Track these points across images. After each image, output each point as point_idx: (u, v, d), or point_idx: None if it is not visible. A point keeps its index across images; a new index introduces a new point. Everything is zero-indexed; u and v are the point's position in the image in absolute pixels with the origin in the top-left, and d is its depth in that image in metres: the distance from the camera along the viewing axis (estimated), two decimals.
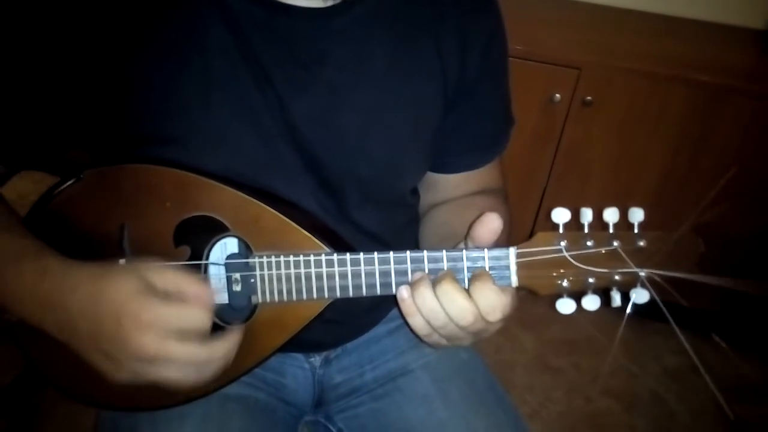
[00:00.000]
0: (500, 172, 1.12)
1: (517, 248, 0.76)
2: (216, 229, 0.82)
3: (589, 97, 2.00)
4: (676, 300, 0.74)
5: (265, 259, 0.81)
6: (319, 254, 0.80)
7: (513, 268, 0.76)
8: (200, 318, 0.73)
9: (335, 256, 0.79)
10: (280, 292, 0.81)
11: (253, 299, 0.83)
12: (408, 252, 0.77)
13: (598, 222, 0.73)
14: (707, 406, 2.07)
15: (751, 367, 2.24)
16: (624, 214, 0.73)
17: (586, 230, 0.74)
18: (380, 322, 1.15)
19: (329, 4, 0.84)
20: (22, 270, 0.77)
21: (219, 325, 0.82)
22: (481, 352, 1.14)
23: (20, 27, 0.81)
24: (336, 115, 0.88)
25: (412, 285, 0.76)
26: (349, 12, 0.86)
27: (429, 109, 0.95)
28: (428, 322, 0.76)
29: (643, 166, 2.11)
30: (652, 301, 0.74)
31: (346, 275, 0.79)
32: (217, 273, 0.83)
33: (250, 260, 0.82)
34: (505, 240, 0.97)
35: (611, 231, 0.73)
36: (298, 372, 1.11)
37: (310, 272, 0.80)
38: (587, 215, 0.73)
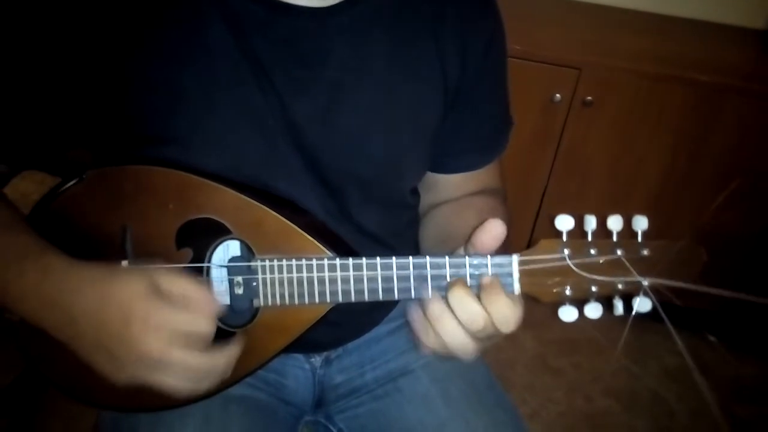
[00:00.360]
0: (500, 172, 1.12)
1: (520, 255, 0.76)
2: (218, 232, 0.82)
3: (589, 97, 2.01)
4: (675, 301, 0.74)
5: (267, 263, 0.81)
6: (322, 258, 0.80)
7: (516, 275, 0.76)
8: (205, 326, 0.74)
9: (337, 261, 0.79)
10: (282, 295, 0.81)
11: (255, 302, 0.83)
12: (411, 258, 0.77)
13: (602, 229, 0.73)
14: (707, 406, 2.07)
15: (750, 367, 2.24)
16: (628, 222, 0.72)
17: (589, 238, 0.74)
18: (381, 323, 1.15)
19: (330, 3, 0.84)
20: (24, 268, 0.77)
21: (221, 328, 0.82)
22: (481, 351, 1.14)
23: (22, 26, 0.81)
24: (337, 115, 0.88)
25: (427, 312, 0.76)
26: (350, 12, 0.86)
27: (429, 110, 0.95)
28: (444, 341, 0.76)
29: (643, 165, 2.11)
30: (654, 307, 0.74)
31: (349, 280, 0.79)
32: (219, 276, 0.83)
33: (252, 263, 0.82)
34: (503, 241, 0.98)
35: (615, 239, 0.73)
36: (299, 372, 1.11)
37: (313, 276, 0.80)
38: (591, 223, 0.73)
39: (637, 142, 2.08)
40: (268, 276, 0.81)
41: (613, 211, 0.73)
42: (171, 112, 0.83)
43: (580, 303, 0.76)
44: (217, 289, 0.83)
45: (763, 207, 2.02)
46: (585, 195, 2.20)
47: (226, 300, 0.83)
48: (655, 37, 2.25)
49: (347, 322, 1.08)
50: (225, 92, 0.83)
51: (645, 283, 0.72)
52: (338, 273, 0.79)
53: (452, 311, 0.74)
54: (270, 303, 0.82)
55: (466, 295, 0.73)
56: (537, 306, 0.77)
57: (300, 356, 1.11)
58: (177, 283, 0.74)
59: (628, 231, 0.73)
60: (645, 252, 0.72)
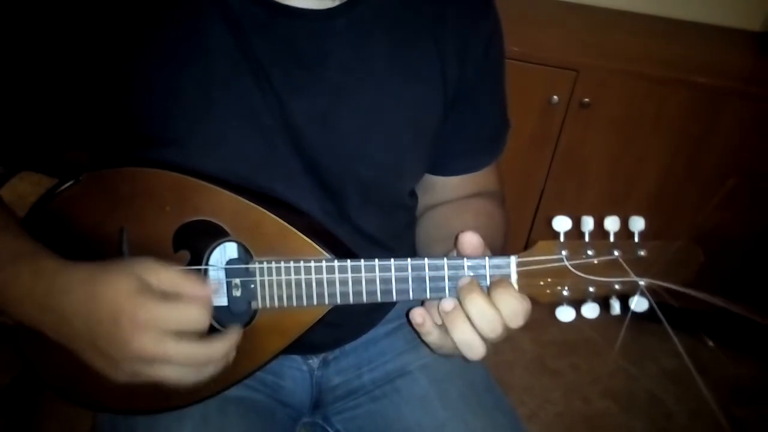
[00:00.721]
0: (497, 175, 1.12)
1: (518, 257, 0.76)
2: (216, 234, 0.82)
3: (586, 99, 2.01)
4: (672, 302, 0.74)
5: (265, 265, 0.81)
6: (320, 260, 0.80)
7: (514, 276, 0.76)
8: (198, 316, 0.73)
9: (336, 263, 0.79)
10: (280, 297, 0.81)
11: (253, 304, 0.83)
12: (409, 259, 0.77)
13: (599, 230, 0.73)
14: (705, 407, 2.07)
15: (748, 368, 2.25)
16: (625, 223, 0.73)
17: (586, 239, 0.74)
18: (379, 324, 1.15)
19: (330, 5, 0.84)
20: (18, 271, 0.77)
21: (218, 330, 0.82)
22: None
23: (20, 27, 0.81)
24: (336, 117, 0.88)
25: (443, 314, 0.76)
26: (349, 13, 0.86)
27: (429, 111, 0.95)
28: (457, 344, 0.76)
29: (641, 167, 2.11)
30: (651, 307, 0.74)
31: (347, 282, 0.79)
32: (216, 278, 0.83)
33: (250, 266, 0.82)
34: (500, 244, 0.98)
35: (612, 240, 0.73)
36: (296, 374, 1.11)
37: (311, 278, 0.80)
38: (588, 224, 0.73)
39: (634, 144, 2.08)
40: (266, 278, 0.81)
41: (611, 213, 0.73)
42: (169, 113, 0.83)
43: (577, 303, 0.76)
44: (215, 291, 0.83)
45: (761, 208, 2.02)
46: (583, 196, 2.20)
47: (224, 302, 0.83)
48: (652, 39, 2.26)
49: (345, 323, 1.08)
50: (224, 93, 0.83)
51: (641, 283, 0.72)
52: (336, 275, 0.79)
53: (467, 315, 0.74)
54: (268, 305, 0.82)
55: (484, 303, 0.73)
56: (535, 307, 0.77)
57: (298, 358, 1.11)
58: (165, 276, 0.73)
59: (625, 232, 0.73)
60: (642, 252, 0.73)
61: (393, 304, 1.14)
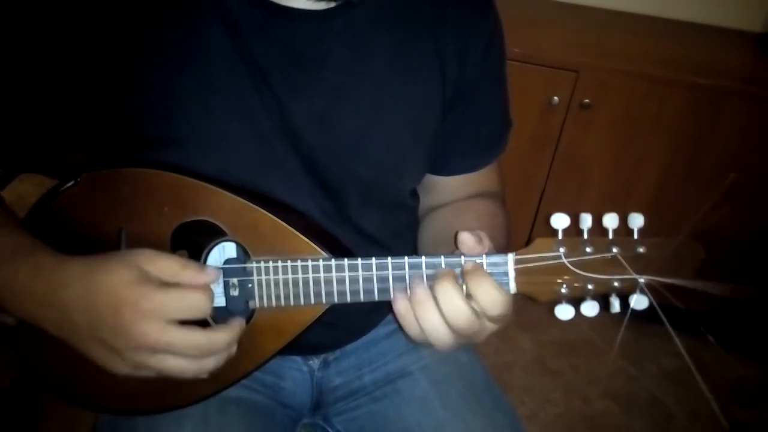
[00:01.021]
0: (499, 175, 1.12)
1: (516, 254, 0.76)
2: (214, 234, 0.82)
3: (587, 100, 2.01)
4: (674, 303, 0.74)
5: (262, 264, 0.81)
6: (317, 260, 0.80)
7: (511, 274, 0.76)
8: (199, 302, 0.73)
9: (333, 262, 0.79)
10: (277, 297, 0.81)
11: (251, 304, 0.82)
12: (406, 258, 0.77)
13: (598, 227, 0.73)
14: (705, 407, 2.07)
15: (749, 368, 2.24)
16: (623, 220, 0.72)
17: (585, 236, 0.74)
18: (379, 325, 1.15)
19: (328, 6, 0.84)
20: (16, 268, 0.77)
21: None
22: (480, 353, 1.14)
23: (20, 29, 0.81)
24: (335, 117, 0.88)
25: (412, 296, 0.76)
26: (348, 14, 0.86)
27: (428, 111, 0.95)
28: (423, 330, 0.76)
29: (642, 168, 2.11)
30: (651, 305, 0.74)
31: (344, 281, 0.79)
32: None
33: (247, 265, 0.81)
34: (504, 244, 0.98)
35: (611, 237, 0.73)
36: (297, 374, 1.11)
37: (308, 278, 0.80)
38: (586, 221, 0.73)
39: (635, 145, 2.08)
40: (263, 277, 0.81)
41: (611, 212, 0.73)
42: (168, 114, 0.83)
43: (576, 301, 0.76)
44: (213, 291, 0.83)
45: (762, 207, 2.02)
46: (583, 197, 2.20)
47: (222, 302, 0.83)
48: (652, 39, 2.26)
49: (345, 324, 1.08)
50: (222, 94, 0.83)
51: (641, 280, 0.72)
52: (333, 274, 0.79)
53: (437, 302, 0.74)
54: (266, 304, 0.82)
55: (453, 290, 0.73)
56: (535, 308, 0.77)
57: (298, 358, 1.11)
58: (164, 264, 0.73)
59: (624, 229, 0.73)
60: (641, 249, 0.72)
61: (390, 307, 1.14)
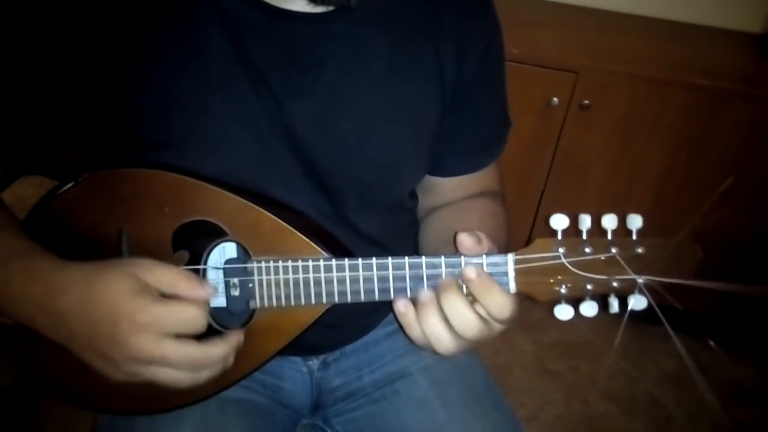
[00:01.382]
0: (498, 175, 1.12)
1: (516, 254, 0.76)
2: (214, 234, 0.82)
3: (586, 101, 2.01)
4: (673, 304, 0.74)
5: (263, 264, 0.81)
6: (318, 260, 0.80)
7: (511, 274, 0.76)
8: (195, 317, 0.73)
9: (333, 262, 0.79)
10: (278, 297, 0.81)
11: (251, 304, 0.83)
12: (406, 258, 0.77)
13: (597, 228, 0.73)
14: (705, 409, 2.07)
15: (748, 369, 2.24)
16: (622, 221, 0.73)
17: (584, 237, 0.74)
18: (378, 325, 1.15)
19: (327, 9, 0.84)
20: (13, 271, 0.77)
21: (217, 330, 0.82)
22: (480, 355, 1.14)
23: (19, 31, 0.81)
24: (334, 119, 0.88)
25: (418, 305, 0.76)
26: (347, 16, 0.86)
27: (427, 113, 0.95)
28: (427, 336, 0.77)
29: (641, 169, 2.11)
30: (650, 305, 0.74)
31: (345, 281, 0.79)
32: (215, 278, 0.83)
33: (248, 265, 0.82)
34: (505, 242, 0.98)
35: (609, 237, 0.73)
36: (296, 375, 1.11)
37: (309, 278, 0.80)
38: (586, 222, 0.73)
39: (634, 146, 2.08)
40: (264, 277, 0.81)
41: (610, 213, 0.73)
42: (167, 116, 0.83)
43: (575, 302, 0.76)
44: (213, 291, 0.83)
45: (762, 209, 2.02)
46: (583, 198, 2.20)
47: (223, 302, 0.83)
48: (652, 40, 2.26)
49: (345, 324, 1.08)
50: (221, 96, 0.84)
51: (640, 280, 0.72)
52: (334, 274, 0.79)
53: (442, 312, 0.75)
54: (266, 304, 0.82)
55: (460, 302, 0.74)
56: (534, 309, 0.77)
57: (297, 359, 1.11)
58: (162, 275, 0.73)
59: (622, 230, 0.73)
60: (640, 250, 0.72)
61: (392, 305, 1.14)
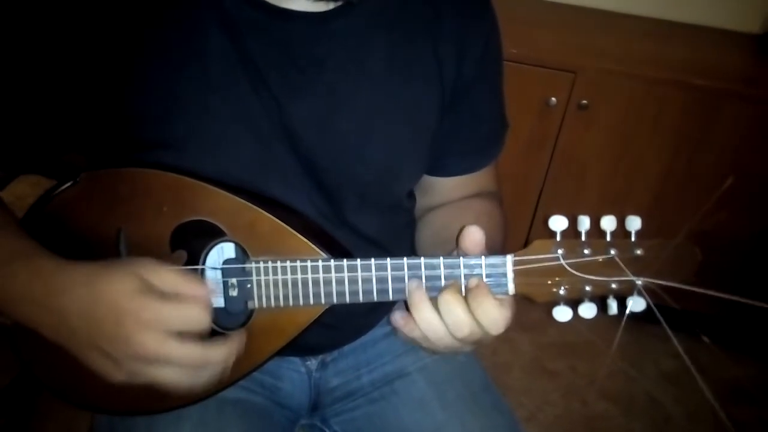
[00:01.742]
0: (495, 175, 1.12)
1: (514, 256, 0.76)
2: (213, 234, 0.82)
3: (584, 101, 2.01)
4: (671, 304, 0.74)
5: (261, 265, 0.81)
6: (316, 260, 0.80)
7: (510, 275, 0.76)
8: (200, 318, 0.73)
9: (332, 262, 0.79)
10: (276, 297, 0.81)
11: (250, 304, 0.83)
12: (405, 259, 0.77)
13: (596, 230, 0.73)
14: (704, 409, 2.08)
15: (747, 369, 2.24)
16: (621, 222, 0.73)
17: (583, 238, 0.74)
18: (377, 325, 1.15)
19: (327, 8, 0.84)
20: (15, 271, 0.77)
21: (215, 330, 0.82)
22: (478, 354, 1.14)
23: (18, 31, 0.81)
24: (334, 119, 0.88)
25: (411, 303, 0.76)
26: (347, 16, 0.86)
27: (426, 113, 0.95)
28: (426, 336, 0.77)
29: (639, 170, 2.11)
30: (649, 306, 0.74)
31: (343, 281, 0.79)
32: (213, 278, 0.83)
33: (246, 265, 0.82)
34: (500, 243, 0.98)
35: (608, 239, 0.73)
36: (295, 375, 1.11)
37: (307, 278, 0.80)
38: (584, 223, 0.73)
39: (632, 146, 2.08)
40: (262, 278, 0.81)
41: (609, 213, 0.73)
42: (167, 116, 0.83)
43: (574, 303, 0.76)
44: (213, 292, 0.83)
45: (760, 209, 2.03)
46: (581, 198, 2.20)
47: (221, 302, 0.83)
48: (650, 41, 2.26)
49: (343, 324, 1.07)
50: (221, 96, 0.83)
51: (638, 282, 0.72)
52: (332, 274, 0.79)
53: (438, 311, 0.75)
54: (264, 305, 0.82)
55: (455, 302, 0.74)
56: (533, 309, 0.77)
57: (296, 359, 1.11)
58: (166, 277, 0.73)
59: (621, 231, 0.73)
60: (638, 251, 0.73)
61: (391, 305, 1.14)
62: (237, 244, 0.82)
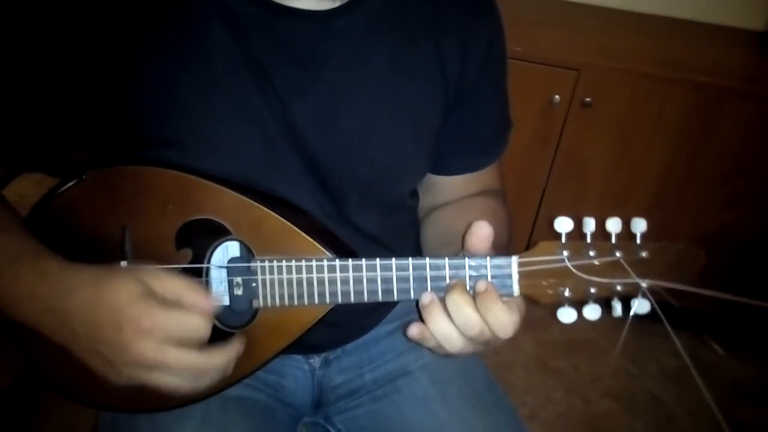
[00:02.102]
0: (499, 173, 1.12)
1: (520, 257, 0.76)
2: (218, 233, 0.82)
3: (588, 99, 2.01)
4: (674, 303, 0.74)
5: (267, 264, 0.81)
6: (321, 260, 0.80)
7: (515, 277, 0.76)
8: (199, 326, 0.73)
9: (337, 262, 0.79)
10: (281, 296, 0.81)
11: (255, 303, 0.83)
12: (410, 259, 0.77)
13: (601, 231, 0.73)
14: (706, 407, 2.07)
15: (749, 368, 2.24)
16: (626, 224, 0.73)
17: (588, 240, 0.74)
18: (380, 323, 1.15)
19: (331, 6, 0.84)
20: (19, 272, 0.77)
21: (220, 329, 0.82)
22: (481, 353, 1.14)
23: (22, 28, 0.81)
24: (337, 118, 0.88)
25: (427, 318, 0.76)
26: (350, 14, 0.86)
27: (429, 112, 0.95)
28: (442, 345, 0.77)
29: (642, 167, 2.11)
30: (652, 308, 0.74)
31: (348, 281, 0.79)
32: (218, 277, 0.83)
33: (251, 264, 0.82)
34: (506, 241, 0.98)
35: (613, 241, 0.73)
36: (298, 373, 1.11)
37: (312, 277, 0.80)
38: (590, 225, 0.73)
39: (636, 143, 2.08)
40: (267, 277, 0.81)
41: (613, 212, 0.73)
42: (170, 114, 0.83)
43: (578, 304, 0.76)
44: (217, 290, 0.83)
45: (762, 208, 2.02)
46: (584, 196, 2.20)
47: (226, 301, 0.83)
48: (653, 38, 2.26)
49: (346, 323, 1.08)
50: (224, 95, 0.83)
51: (643, 284, 0.72)
52: (338, 274, 0.79)
53: (447, 312, 0.75)
54: (269, 304, 0.82)
55: (463, 301, 0.74)
56: (536, 307, 0.77)
57: (299, 357, 1.11)
58: (169, 283, 0.73)
59: (626, 233, 0.73)
60: (643, 254, 0.73)
61: (394, 303, 1.14)
62: (242, 243, 0.82)
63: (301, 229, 0.82)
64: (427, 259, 0.77)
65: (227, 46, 0.82)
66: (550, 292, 0.76)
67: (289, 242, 0.82)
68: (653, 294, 0.73)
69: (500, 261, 0.76)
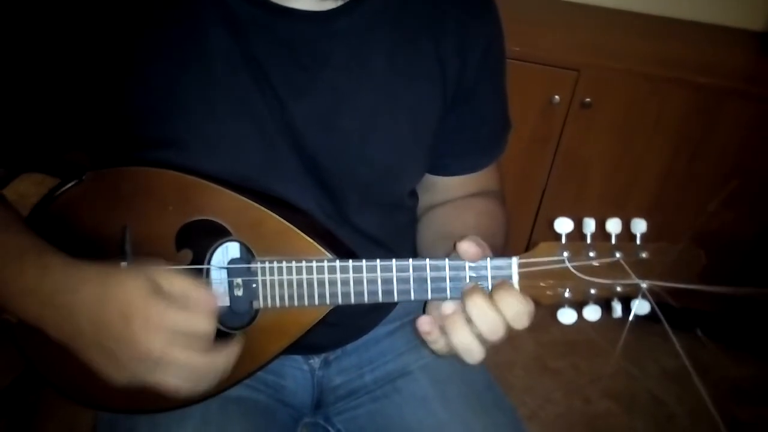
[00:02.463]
0: (498, 174, 1.12)
1: (520, 258, 0.76)
2: (218, 233, 0.82)
3: (588, 99, 2.01)
4: (673, 303, 0.74)
5: (267, 265, 0.81)
6: (322, 260, 0.80)
7: (515, 278, 0.76)
8: (206, 325, 0.73)
9: (337, 263, 0.79)
10: (281, 297, 0.81)
11: (255, 304, 0.83)
12: (410, 260, 0.78)
13: (601, 232, 0.73)
14: (706, 407, 2.07)
15: (749, 368, 2.24)
16: (626, 225, 0.73)
17: (588, 241, 0.74)
18: (380, 324, 1.15)
19: (330, 6, 0.84)
20: (23, 268, 0.77)
21: (220, 330, 0.82)
22: None
23: (21, 29, 0.80)
24: (337, 118, 0.88)
25: (449, 329, 0.76)
26: (349, 14, 0.86)
27: (428, 112, 0.95)
28: (456, 348, 0.76)
29: (642, 168, 2.11)
30: (652, 309, 0.74)
31: (348, 282, 0.79)
32: (218, 277, 0.83)
33: (252, 265, 0.82)
34: (501, 244, 0.98)
35: (613, 242, 0.73)
36: (298, 374, 1.11)
37: (312, 278, 0.80)
38: (590, 225, 0.73)
39: (635, 144, 2.08)
40: (267, 278, 0.81)
41: (612, 213, 0.73)
42: (169, 114, 0.83)
43: (579, 305, 0.76)
44: (217, 290, 0.83)
45: (762, 207, 2.02)
46: (584, 196, 2.20)
47: (226, 302, 0.83)
48: (653, 38, 2.26)
49: (346, 323, 1.08)
50: (224, 95, 0.83)
51: (643, 285, 0.72)
52: (338, 275, 0.79)
53: (468, 317, 0.75)
54: (269, 305, 0.82)
55: (486, 305, 0.74)
56: (536, 308, 0.77)
57: (299, 357, 1.11)
58: (177, 282, 0.73)
59: (626, 234, 0.73)
60: (643, 254, 0.73)
61: (394, 304, 1.14)
62: (242, 244, 0.82)
63: (300, 230, 0.82)
64: (428, 260, 0.77)
65: (227, 46, 0.82)
66: (550, 293, 0.76)
67: (289, 243, 0.82)
68: (653, 295, 0.73)
69: (500, 262, 0.76)
